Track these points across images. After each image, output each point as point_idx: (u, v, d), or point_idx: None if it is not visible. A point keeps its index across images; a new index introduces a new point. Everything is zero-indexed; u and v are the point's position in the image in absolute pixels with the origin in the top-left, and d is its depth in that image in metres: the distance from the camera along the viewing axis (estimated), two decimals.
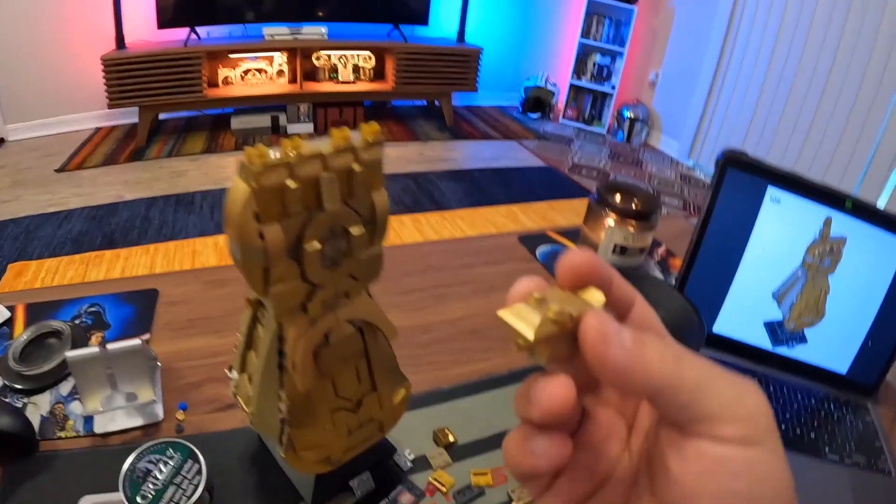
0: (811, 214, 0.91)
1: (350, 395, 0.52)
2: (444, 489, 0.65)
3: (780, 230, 0.92)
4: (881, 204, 3.61)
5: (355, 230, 0.43)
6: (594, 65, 5.75)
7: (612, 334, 0.25)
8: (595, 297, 0.27)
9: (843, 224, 0.91)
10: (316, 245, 0.41)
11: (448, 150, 4.64)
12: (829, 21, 4.01)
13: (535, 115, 5.81)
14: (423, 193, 3.78)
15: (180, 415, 0.76)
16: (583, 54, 5.72)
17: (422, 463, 0.68)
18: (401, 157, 4.39)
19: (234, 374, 0.57)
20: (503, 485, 0.67)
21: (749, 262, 0.93)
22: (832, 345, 0.96)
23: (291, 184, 0.38)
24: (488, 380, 0.82)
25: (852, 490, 0.77)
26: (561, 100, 5.86)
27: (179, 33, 4.32)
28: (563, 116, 5.85)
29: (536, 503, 0.30)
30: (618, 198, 1.07)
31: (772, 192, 0.90)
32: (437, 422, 0.73)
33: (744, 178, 0.91)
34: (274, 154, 0.38)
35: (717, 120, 4.99)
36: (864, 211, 0.91)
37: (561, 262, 0.28)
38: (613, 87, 5.69)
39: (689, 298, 0.78)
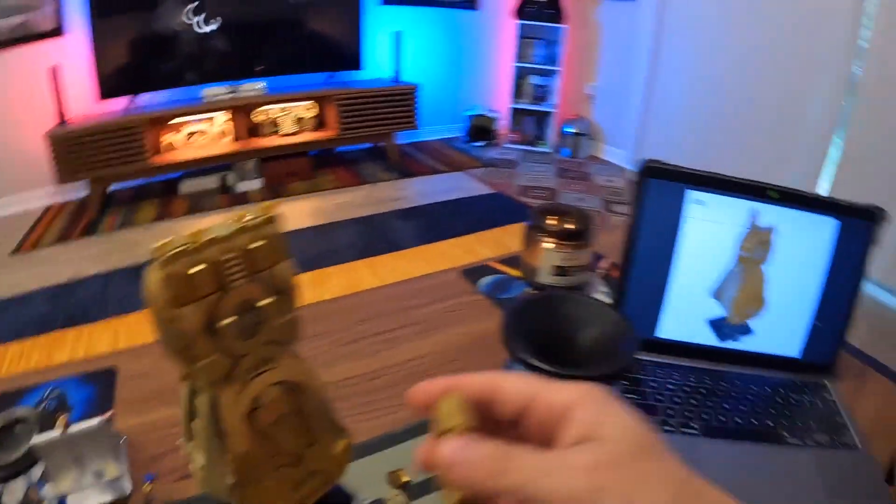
0: (736, 210, 0.94)
1: (290, 451, 0.55)
2: None
3: (708, 230, 0.95)
4: (820, 191, 3.71)
5: (263, 303, 0.47)
6: (532, 86, 5.85)
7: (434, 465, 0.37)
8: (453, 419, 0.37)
9: (769, 214, 0.95)
10: (228, 321, 0.45)
11: (397, 190, 4.68)
12: (749, 14, 4.13)
13: (480, 144, 5.89)
14: (376, 236, 3.81)
15: (147, 486, 0.77)
16: (519, 77, 5.84)
17: None
18: (350, 203, 4.42)
19: (184, 444, 0.59)
20: None
21: (683, 266, 0.96)
22: (780, 331, 0.99)
23: (195, 269, 0.42)
24: None
25: (819, 470, 0.79)
26: (504, 125, 5.93)
27: (120, 103, 4.32)
28: (508, 141, 5.92)
29: None
30: (551, 221, 1.10)
31: (693, 195, 0.94)
32: (391, 465, 0.74)
33: (664, 186, 0.94)
34: (178, 243, 0.42)
35: (656, 123, 5.12)
36: (787, 197, 0.94)
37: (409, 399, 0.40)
38: (553, 106, 5.79)
39: (616, 308, 0.81)
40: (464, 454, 0.34)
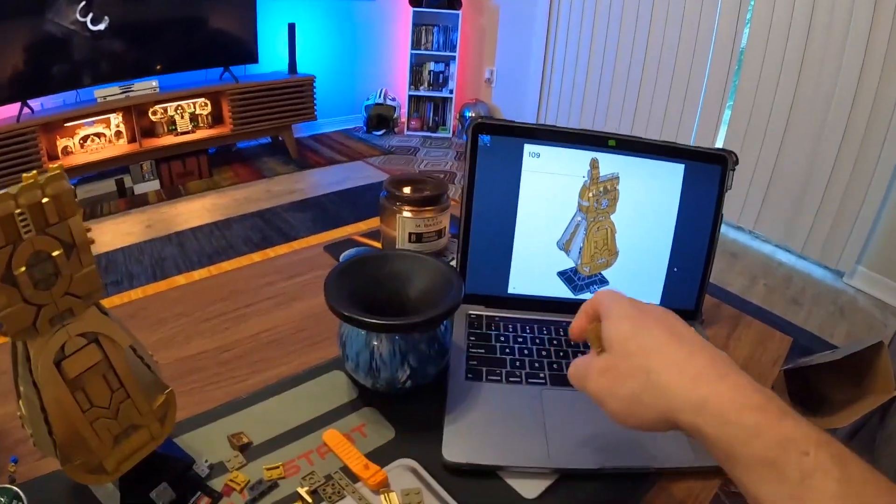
0: (575, 160, 0.95)
1: (105, 404, 0.58)
2: (238, 487, 0.69)
3: (548, 182, 0.96)
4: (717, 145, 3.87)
5: (55, 252, 0.51)
6: (429, 73, 5.90)
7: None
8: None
9: (612, 162, 0.95)
10: (21, 269, 0.48)
11: (294, 182, 4.67)
12: None
13: (379, 132, 5.89)
14: (271, 229, 3.81)
15: (11, 467, 0.78)
16: (417, 65, 5.87)
17: (220, 468, 0.72)
18: (248, 198, 4.39)
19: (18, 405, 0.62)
20: (296, 475, 0.71)
21: (525, 220, 0.97)
22: (637, 280, 1.00)
23: None
24: (286, 380, 0.86)
25: None
26: (403, 112, 5.96)
27: (12, 109, 4.15)
28: (408, 128, 5.97)
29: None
30: (405, 189, 1.14)
31: (529, 147, 0.95)
32: (233, 429, 0.77)
33: (498, 142, 0.95)
34: None
35: (553, 104, 5.23)
36: (628, 145, 0.95)
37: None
38: (451, 91, 5.85)
39: (443, 261, 0.85)
40: (570, 370, 0.62)
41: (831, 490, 0.39)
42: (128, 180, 4.53)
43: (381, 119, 5.94)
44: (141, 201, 4.43)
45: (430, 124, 6.06)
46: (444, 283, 0.81)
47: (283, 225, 3.94)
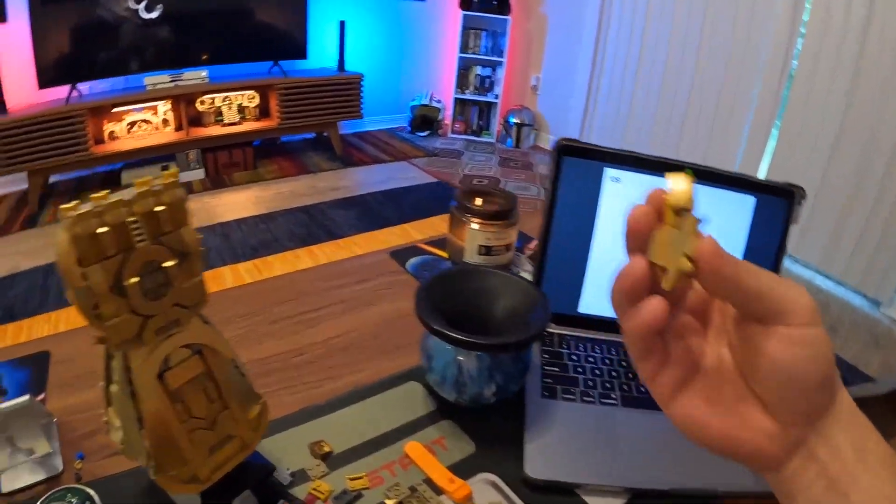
0: (652, 187, 0.95)
1: (203, 415, 0.57)
2: (322, 496, 0.68)
3: (625, 206, 0.94)
4: (761, 173, 3.81)
5: (168, 263, 0.49)
6: (476, 77, 5.89)
7: (724, 253, 0.37)
8: (689, 225, 0.39)
9: None
10: (133, 280, 0.47)
11: (339, 179, 4.68)
12: (691, 7, 4.22)
13: (423, 134, 5.89)
14: (316, 225, 3.81)
15: (78, 464, 0.78)
16: (464, 68, 5.86)
17: (301, 476, 0.71)
18: (293, 192, 4.40)
19: (106, 412, 0.61)
20: (380, 486, 0.71)
21: (600, 242, 0.97)
22: None
23: (102, 229, 0.44)
24: (360, 390, 0.86)
25: None
26: (448, 115, 5.97)
27: (61, 92, 4.21)
28: (452, 131, 5.97)
29: (649, 384, 0.43)
30: (476, 201, 1.13)
31: (609, 172, 0.95)
32: (313, 437, 0.77)
33: (581, 164, 0.95)
34: (84, 205, 0.44)
35: (600, 115, 5.18)
36: (703, 175, 0.94)
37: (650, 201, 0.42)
38: (497, 97, 5.84)
39: (530, 281, 0.85)
40: (726, 255, 0.38)
41: None
42: (173, 168, 4.53)
43: (425, 120, 5.93)
44: (186, 189, 4.44)
45: (475, 128, 6.05)
46: (530, 304, 0.81)
47: (328, 222, 3.94)
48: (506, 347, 0.74)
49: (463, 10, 5.58)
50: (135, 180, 0.47)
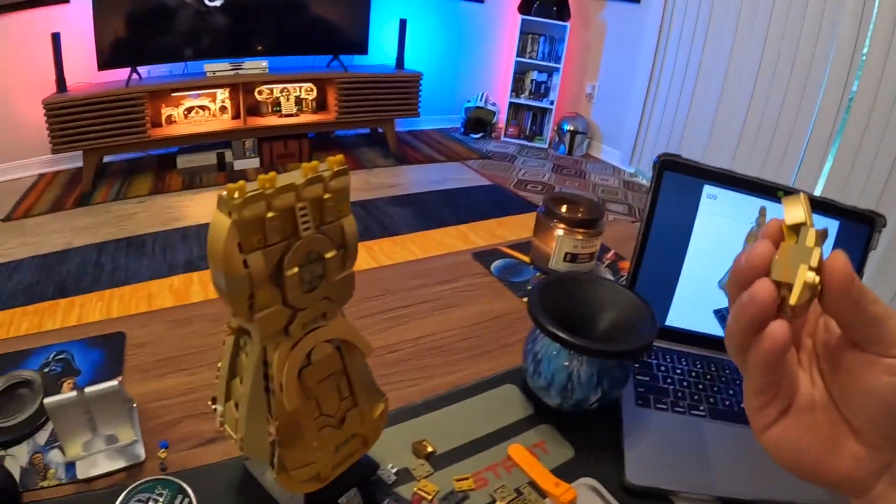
0: (746, 206, 0.96)
1: (333, 412, 0.55)
2: (429, 497, 0.67)
3: (719, 224, 0.97)
4: (817, 192, 3.75)
5: (329, 254, 0.47)
6: (532, 82, 5.87)
7: (853, 274, 0.35)
8: (811, 238, 0.37)
9: (778, 213, 0.95)
10: (295, 270, 0.45)
11: (394, 176, 4.68)
12: (753, 24, 4.16)
13: (476, 136, 5.88)
14: (372, 221, 3.81)
15: (162, 453, 0.76)
16: (520, 72, 5.84)
17: (405, 475, 0.71)
18: None
19: (219, 405, 0.60)
20: (485, 487, 0.70)
21: (693, 257, 0.97)
22: None
23: (270, 214, 0.42)
24: (456, 391, 0.85)
25: None
26: (501, 118, 5.96)
27: (121, 74, 4.27)
28: (505, 134, 5.95)
29: (753, 414, 0.41)
30: (564, 208, 1.12)
31: (707, 189, 0.95)
32: (414, 435, 0.76)
33: (680, 179, 0.95)
34: (251, 188, 0.42)
35: (654, 126, 5.13)
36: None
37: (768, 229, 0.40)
38: (552, 103, 5.81)
39: (639, 294, 0.84)
40: (853, 270, 0.36)
41: None
42: (228, 155, 4.61)
43: (478, 122, 5.92)
44: (239, 177, 4.47)
45: (528, 133, 6.01)
46: (637, 315, 0.80)
47: (385, 218, 3.91)
48: (624, 355, 0.74)
49: (522, 14, 5.55)
50: (302, 165, 0.45)
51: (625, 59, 5.36)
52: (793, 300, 0.35)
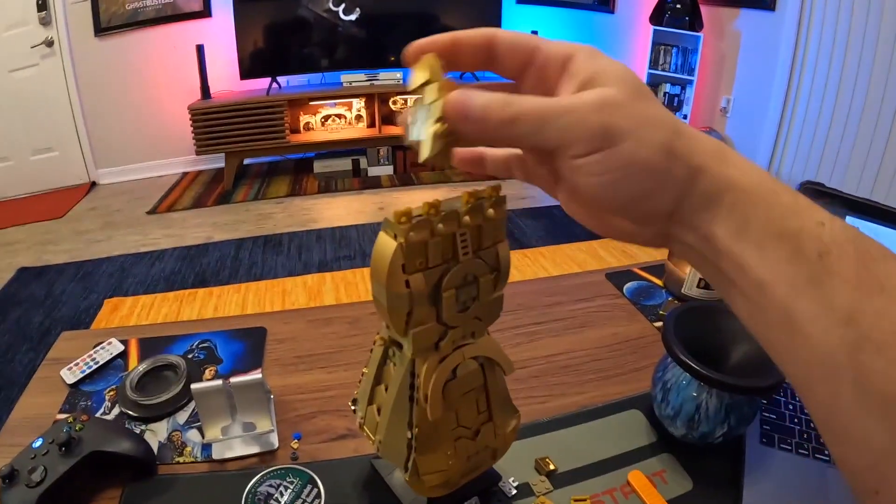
0: (890, 241, 0.91)
1: (470, 425, 0.58)
2: None
3: None
4: None
5: (484, 279, 0.50)
6: (665, 95, 5.72)
7: (470, 101, 0.34)
8: (430, 92, 0.36)
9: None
10: (452, 292, 0.48)
11: (525, 188, 4.68)
12: None
13: None
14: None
15: (295, 444, 0.82)
16: (653, 85, 5.69)
17: (525, 490, 0.72)
18: None
19: (358, 407, 0.64)
20: None
21: None
22: None
23: (434, 240, 0.45)
24: (586, 411, 0.86)
25: None
26: None
27: (261, 83, 4.52)
28: None
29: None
30: None
31: (850, 220, 0.91)
32: (537, 451, 0.78)
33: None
34: (418, 213, 0.45)
35: (792, 143, 4.91)
36: None
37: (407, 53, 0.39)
38: (685, 117, 5.64)
39: None
40: (471, 101, 0.34)
41: (847, 273, 0.32)
42: (363, 161, 4.80)
43: None
44: (373, 183, 4.65)
45: None
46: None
47: (516, 230, 3.95)
48: (757, 391, 0.73)
49: (653, 24, 5.42)
50: (463, 192, 0.48)
51: (760, 72, 5.14)
52: (421, 157, 0.36)
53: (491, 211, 0.49)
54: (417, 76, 0.38)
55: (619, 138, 0.33)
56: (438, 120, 0.35)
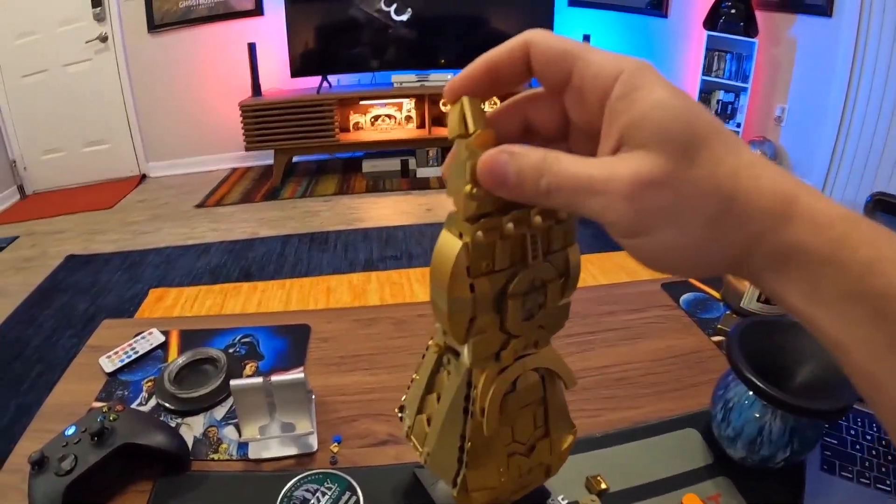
0: None
1: (525, 440, 0.55)
2: None
3: None
4: None
5: (553, 285, 0.46)
6: (718, 102, 5.62)
7: (499, 173, 0.33)
8: (462, 151, 0.35)
9: None
10: (519, 299, 0.44)
11: None
12: None
13: None
14: None
15: (334, 447, 0.80)
16: (706, 91, 5.61)
17: None
18: None
19: (406, 415, 0.61)
20: None
21: None
22: None
23: (502, 241, 0.41)
24: (640, 428, 0.83)
25: None
26: None
27: (312, 81, 4.57)
28: None
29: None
30: None
31: None
32: (588, 468, 0.75)
33: (894, 222, 0.88)
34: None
35: (849, 154, 4.79)
36: None
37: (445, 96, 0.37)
38: (739, 125, 5.53)
39: None
40: (504, 169, 0.33)
41: None
42: (412, 162, 4.81)
43: None
44: (422, 184, 4.65)
45: None
46: (837, 371, 0.74)
47: None
48: (825, 414, 0.69)
49: (707, 29, 5.30)
50: None
51: (817, 80, 5.01)
52: (460, 216, 0.37)
53: (562, 213, 0.44)
54: (451, 125, 0.36)
55: (654, 228, 0.31)
56: (471, 181, 0.35)
